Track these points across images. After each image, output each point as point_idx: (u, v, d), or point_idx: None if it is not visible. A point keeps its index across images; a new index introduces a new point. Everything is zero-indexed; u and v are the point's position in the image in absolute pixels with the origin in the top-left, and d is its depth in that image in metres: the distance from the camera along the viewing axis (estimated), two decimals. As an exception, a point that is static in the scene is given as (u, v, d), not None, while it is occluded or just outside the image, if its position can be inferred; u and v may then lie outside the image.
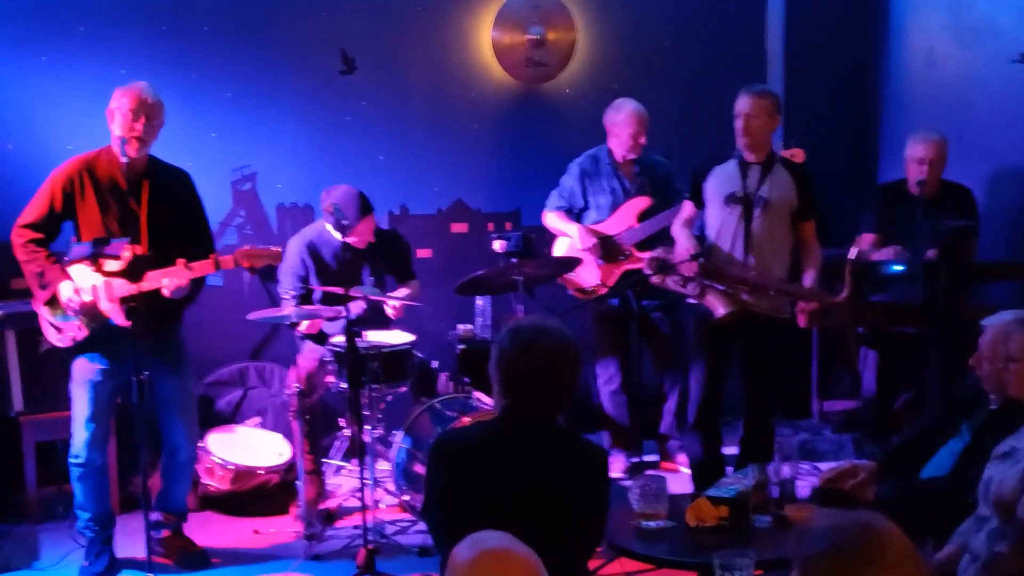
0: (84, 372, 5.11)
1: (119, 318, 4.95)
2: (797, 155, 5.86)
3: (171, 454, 5.34)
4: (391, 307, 6.01)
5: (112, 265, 4.92)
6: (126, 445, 5.71)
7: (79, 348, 5.10)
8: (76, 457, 5.14)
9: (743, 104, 5.49)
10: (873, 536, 2.20)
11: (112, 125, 5.04)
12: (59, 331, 5.09)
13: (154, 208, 5.10)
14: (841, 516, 2.29)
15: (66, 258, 5.02)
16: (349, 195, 5.87)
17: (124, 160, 4.81)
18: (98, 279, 4.97)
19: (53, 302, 5.04)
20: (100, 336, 5.04)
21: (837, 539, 2.21)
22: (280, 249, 5.31)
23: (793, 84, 7.49)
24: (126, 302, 4.91)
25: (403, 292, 6.14)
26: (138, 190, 5.08)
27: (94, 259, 4.93)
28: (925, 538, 3.79)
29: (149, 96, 5.05)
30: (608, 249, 6.37)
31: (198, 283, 5.22)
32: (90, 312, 5.01)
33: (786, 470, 4.24)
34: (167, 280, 4.95)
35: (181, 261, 4.98)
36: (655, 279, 5.60)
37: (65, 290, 4.97)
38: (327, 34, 6.92)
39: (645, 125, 6.36)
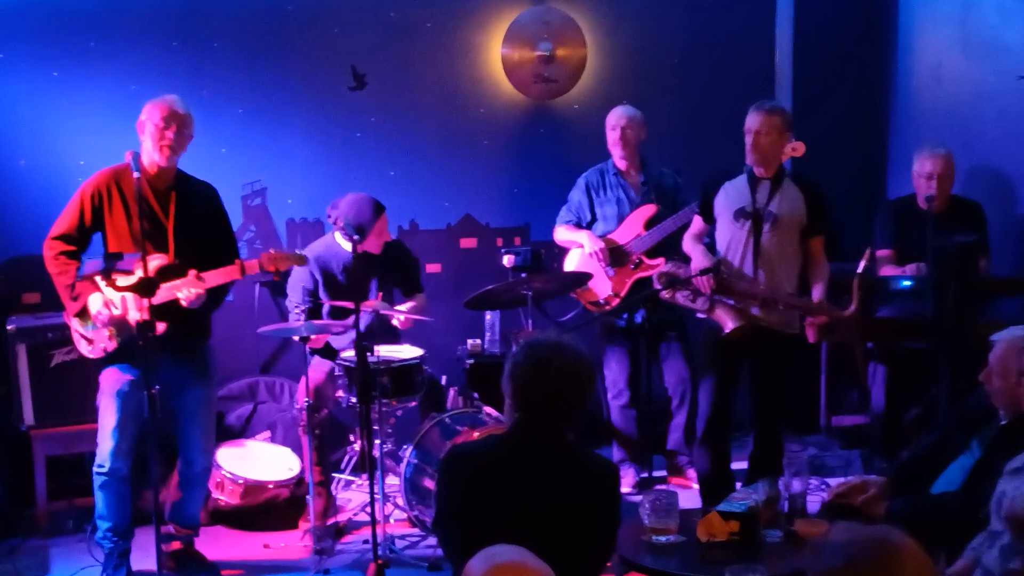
0: (112, 383, 5.13)
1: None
2: (798, 148, 5.85)
3: (188, 464, 5.35)
4: (399, 319, 6.02)
5: (125, 281, 4.94)
6: (138, 459, 5.71)
7: (108, 359, 5.13)
8: (100, 466, 5.15)
9: (753, 121, 5.50)
10: (891, 551, 2.20)
11: (142, 137, 5.10)
12: (90, 343, 5.13)
13: (181, 218, 5.15)
14: (859, 530, 2.28)
15: (79, 274, 5.05)
16: (360, 199, 5.90)
17: (137, 176, 4.82)
18: (124, 297, 5.00)
19: (83, 314, 5.07)
20: (129, 347, 5.07)
21: (854, 553, 2.19)
22: (304, 254, 5.35)
23: (801, 100, 7.51)
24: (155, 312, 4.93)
25: (409, 305, 6.16)
26: (166, 201, 5.14)
27: (106, 274, 4.96)
28: (937, 553, 3.78)
29: (180, 107, 5.13)
30: (617, 257, 6.38)
31: (220, 291, 5.25)
32: (119, 324, 5.04)
33: (796, 485, 4.24)
34: (182, 292, 4.98)
35: (193, 272, 5.01)
36: (665, 294, 5.61)
37: (95, 302, 5.01)
38: (337, 50, 6.95)
39: (632, 122, 6.41)
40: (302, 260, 5.35)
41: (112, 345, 5.09)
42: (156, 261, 4.94)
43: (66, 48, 6.44)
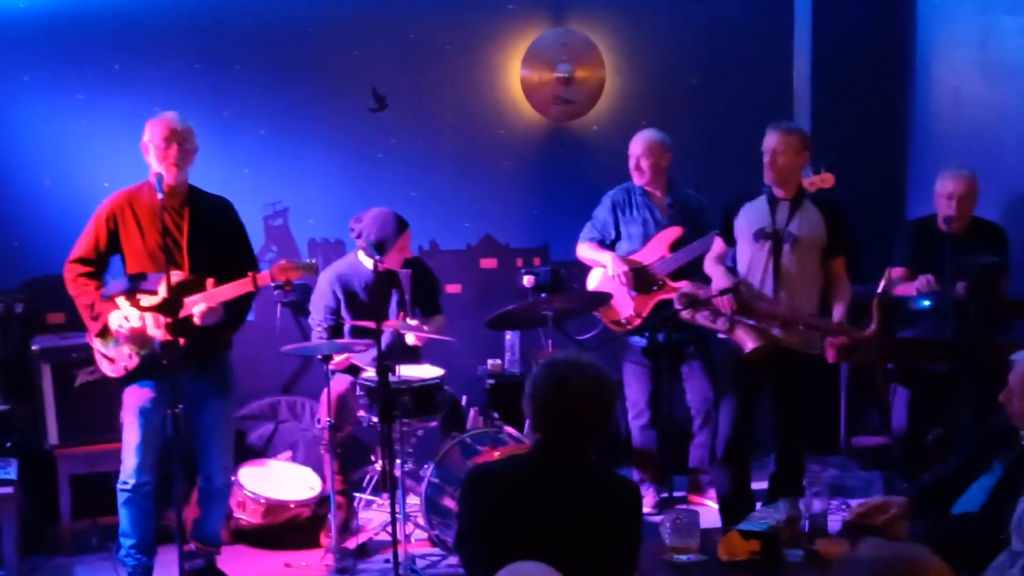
0: (135, 400, 5.16)
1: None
2: (827, 180, 5.87)
3: (207, 480, 5.37)
4: (415, 336, 6.04)
5: (149, 300, 4.98)
6: (161, 478, 5.73)
7: (130, 377, 5.17)
8: (125, 483, 5.18)
9: (770, 140, 5.53)
10: (917, 569, 2.19)
11: (148, 159, 5.14)
12: (111, 362, 5.17)
13: (195, 234, 5.18)
14: (886, 547, 2.28)
15: (104, 295, 5.09)
16: (383, 214, 5.93)
17: (160, 196, 4.87)
18: (147, 313, 5.04)
19: (104, 333, 5.11)
20: (150, 365, 5.11)
21: (880, 571, 2.19)
22: (315, 261, 5.37)
23: (820, 122, 7.51)
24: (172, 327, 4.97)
25: (426, 328, 6.17)
26: (179, 217, 5.17)
27: (131, 294, 5.00)
28: (959, 574, 3.79)
29: (178, 124, 5.16)
30: (641, 278, 6.40)
31: (239, 309, 5.29)
32: (139, 339, 5.07)
33: (817, 505, 4.24)
34: (197, 308, 5.01)
35: (210, 281, 5.05)
36: (685, 314, 5.63)
37: (115, 318, 5.05)
38: (358, 72, 7.00)
39: (649, 150, 6.40)
40: (313, 268, 5.36)
41: (133, 363, 5.13)
42: (172, 277, 4.98)
43: (90, 70, 6.50)
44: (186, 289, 5.01)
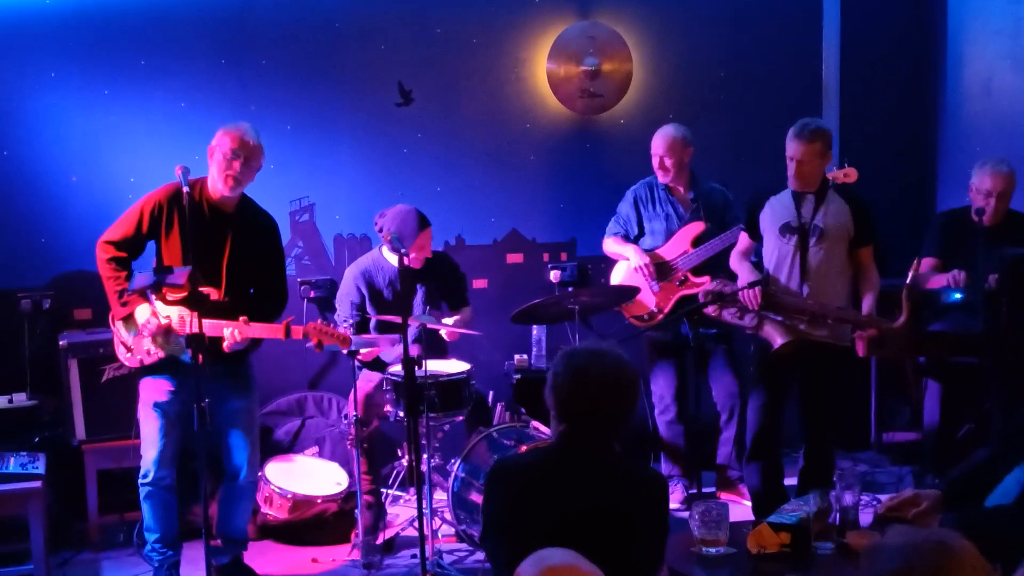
0: (152, 393, 5.16)
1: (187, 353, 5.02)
2: (850, 175, 5.83)
3: (232, 478, 5.36)
4: (446, 331, 6.03)
5: (175, 295, 4.98)
6: (186, 473, 5.73)
7: (147, 369, 5.17)
8: (144, 477, 5.17)
9: (794, 149, 5.46)
10: (949, 555, 2.15)
11: (211, 162, 5.12)
12: (129, 350, 5.16)
13: (236, 254, 5.17)
14: (916, 534, 2.24)
15: (129, 288, 5.07)
16: (405, 211, 5.91)
17: (186, 190, 4.82)
18: (174, 312, 5.04)
19: (128, 319, 5.11)
20: (169, 361, 5.11)
21: (912, 557, 2.15)
22: (348, 334, 5.29)
23: (849, 113, 7.47)
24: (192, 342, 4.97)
25: (455, 319, 6.15)
26: (223, 232, 5.14)
27: (156, 287, 4.98)
28: (993, 566, 3.73)
29: (251, 138, 5.14)
30: (663, 272, 6.36)
31: (257, 341, 5.27)
32: (164, 337, 5.06)
33: (848, 497, 4.19)
34: (227, 336, 4.99)
35: (243, 318, 5.02)
36: (711, 311, 5.58)
37: (143, 312, 5.04)
38: (384, 67, 6.98)
39: (671, 148, 6.34)
40: (346, 342, 5.26)
41: (151, 359, 5.12)
42: (210, 293, 4.98)
43: (116, 66, 6.50)
44: (218, 312, 4.98)
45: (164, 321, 5.04)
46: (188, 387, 5.05)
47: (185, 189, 4.83)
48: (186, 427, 5.10)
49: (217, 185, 5.12)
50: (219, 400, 5.14)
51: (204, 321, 4.68)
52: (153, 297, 5.05)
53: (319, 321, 5.19)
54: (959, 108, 7.38)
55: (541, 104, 7.25)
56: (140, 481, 5.20)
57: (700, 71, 7.45)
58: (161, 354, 5.11)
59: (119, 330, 5.17)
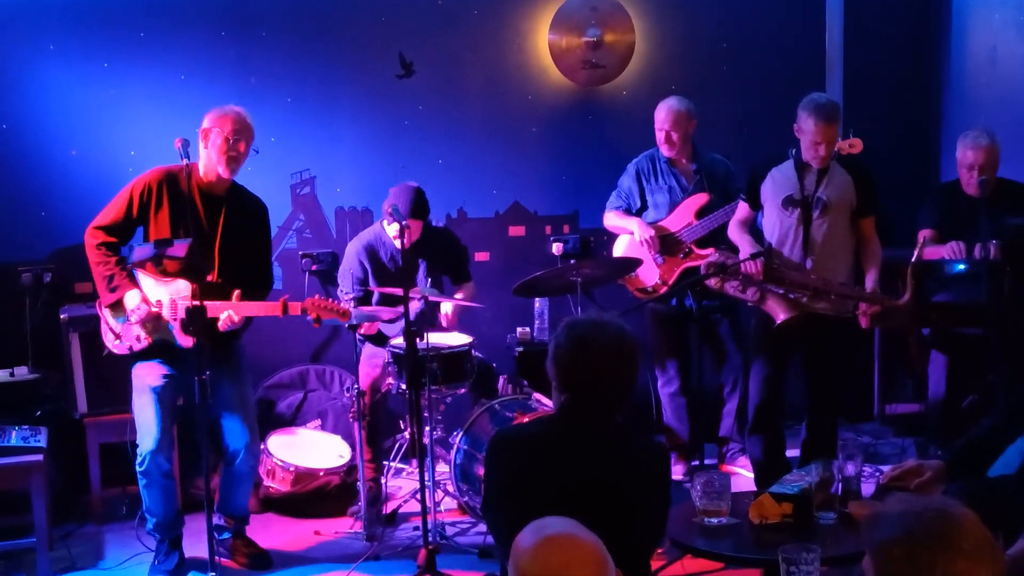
0: (146, 378, 5.12)
1: (181, 338, 5.01)
2: (856, 145, 5.80)
3: (230, 463, 5.33)
4: (444, 315, 6.02)
5: (175, 266, 4.96)
6: (188, 446, 5.74)
7: (138, 355, 5.15)
8: (142, 465, 5.13)
9: (821, 134, 5.37)
10: (950, 522, 2.14)
11: (205, 144, 5.06)
12: (118, 337, 5.13)
13: (228, 235, 5.13)
14: (917, 502, 2.23)
15: (129, 261, 5.06)
16: (408, 190, 5.87)
17: (187, 161, 4.77)
18: (164, 295, 5.02)
19: (117, 306, 5.08)
20: (160, 346, 5.09)
21: (912, 525, 2.14)
22: (348, 308, 5.25)
23: (853, 84, 7.44)
24: (187, 325, 4.96)
25: (458, 296, 6.14)
26: (215, 214, 5.11)
27: (157, 260, 4.97)
28: (995, 535, 3.72)
29: (248, 120, 5.13)
30: (667, 245, 6.33)
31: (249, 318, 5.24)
32: (154, 323, 5.04)
33: (850, 468, 4.20)
34: (223, 316, 4.95)
35: (237, 293, 5.00)
36: (714, 283, 5.56)
37: (132, 298, 5.01)
38: (385, 38, 6.94)
39: (677, 122, 6.29)
40: (346, 315, 5.22)
41: (140, 346, 5.10)
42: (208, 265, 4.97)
43: (115, 39, 6.47)
44: (212, 292, 4.95)
45: (154, 307, 5.02)
46: (180, 371, 5.08)
47: (185, 161, 4.80)
48: (187, 401, 5.08)
49: (217, 168, 5.07)
50: (212, 387, 5.08)
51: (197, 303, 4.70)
52: (141, 281, 5.04)
53: (317, 296, 5.17)
54: (963, 78, 7.33)
55: (543, 75, 7.20)
56: (138, 468, 5.16)
57: (702, 42, 7.40)
58: (150, 340, 5.09)
59: (107, 317, 5.15)
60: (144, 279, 5.07)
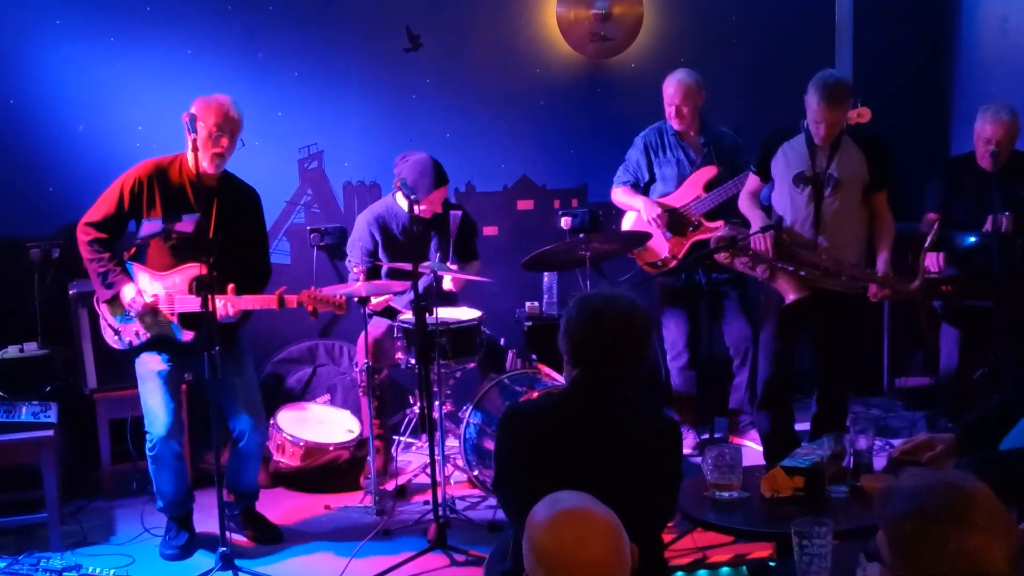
0: (151, 366, 5.12)
1: (179, 332, 5.02)
2: (864, 114, 5.76)
3: (236, 442, 5.32)
4: (450, 280, 6.00)
5: (182, 247, 4.95)
6: (198, 420, 5.73)
7: (138, 348, 5.14)
8: (152, 450, 5.14)
9: (824, 114, 5.32)
10: (963, 496, 2.13)
11: (189, 134, 4.90)
12: (117, 333, 5.13)
13: (221, 227, 5.08)
14: (929, 475, 2.22)
15: (137, 238, 5.06)
16: (425, 162, 5.85)
17: (193, 135, 4.77)
18: (160, 289, 5.01)
19: (115, 301, 5.07)
20: (159, 340, 5.09)
21: (925, 499, 2.13)
22: (343, 299, 5.23)
23: (863, 56, 7.39)
24: (184, 319, 4.97)
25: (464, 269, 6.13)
26: (208, 207, 5.04)
27: (166, 235, 4.96)
28: (1009, 509, 3.71)
29: (235, 112, 5.04)
30: (676, 220, 6.30)
31: (248, 312, 5.22)
32: (152, 317, 5.04)
33: (862, 441, 4.18)
34: (219, 303, 4.88)
35: (231, 287, 4.97)
36: (722, 258, 5.54)
37: (128, 291, 5.00)
38: (392, 12, 6.91)
39: (688, 96, 6.26)
40: (343, 308, 5.22)
41: (139, 341, 5.10)
42: (194, 271, 4.94)
43: (122, 13, 6.44)
44: (208, 286, 4.92)
45: (150, 300, 5.01)
46: (181, 358, 5.10)
47: (192, 135, 4.78)
48: (196, 376, 5.07)
49: (202, 162, 5.00)
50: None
51: (193, 297, 4.71)
52: (137, 276, 5.03)
53: (312, 288, 5.15)
54: (974, 48, 7.28)
55: (551, 48, 7.17)
56: (148, 450, 5.18)
57: (711, 14, 7.36)
58: (149, 335, 5.08)
59: (105, 313, 5.14)
60: (140, 274, 5.07)
